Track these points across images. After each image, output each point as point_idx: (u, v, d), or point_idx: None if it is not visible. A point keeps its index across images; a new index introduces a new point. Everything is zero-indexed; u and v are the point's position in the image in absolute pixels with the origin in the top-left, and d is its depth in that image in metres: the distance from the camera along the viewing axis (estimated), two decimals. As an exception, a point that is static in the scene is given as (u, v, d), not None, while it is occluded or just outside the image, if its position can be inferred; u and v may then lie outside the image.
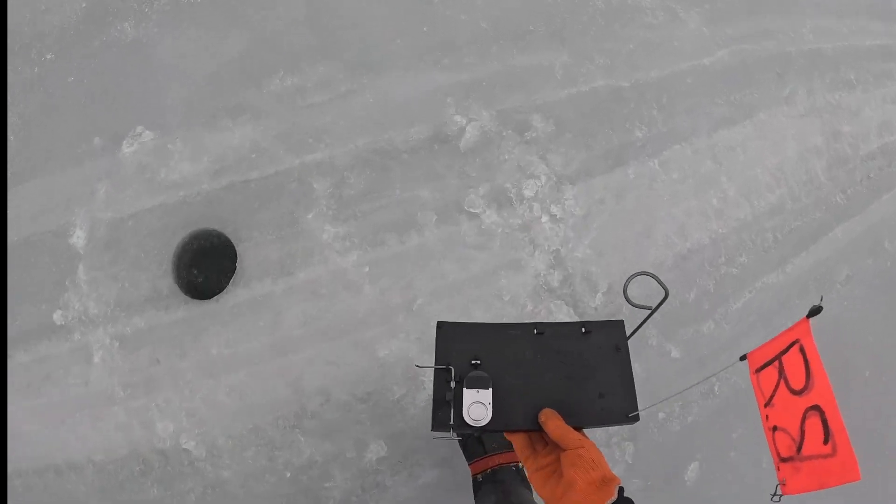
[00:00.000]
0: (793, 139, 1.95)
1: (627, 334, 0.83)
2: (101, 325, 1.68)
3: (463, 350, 0.80)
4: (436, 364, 0.80)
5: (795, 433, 0.55)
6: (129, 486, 1.68)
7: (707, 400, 1.82)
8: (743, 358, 0.65)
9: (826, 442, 0.52)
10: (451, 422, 0.75)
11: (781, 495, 0.57)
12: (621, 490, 0.65)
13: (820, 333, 0.56)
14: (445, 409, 0.76)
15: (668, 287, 0.77)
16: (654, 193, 1.84)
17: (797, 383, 0.56)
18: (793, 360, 0.56)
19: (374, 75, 1.77)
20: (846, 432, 0.51)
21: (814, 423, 0.53)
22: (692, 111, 1.85)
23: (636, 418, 0.79)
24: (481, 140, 1.74)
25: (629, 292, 0.77)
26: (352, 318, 1.61)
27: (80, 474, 1.68)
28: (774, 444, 0.59)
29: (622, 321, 0.84)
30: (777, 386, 0.59)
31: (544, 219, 1.74)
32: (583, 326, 0.82)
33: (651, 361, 1.81)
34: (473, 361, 0.79)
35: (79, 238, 1.75)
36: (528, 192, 1.74)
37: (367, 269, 1.62)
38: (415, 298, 1.62)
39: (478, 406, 0.74)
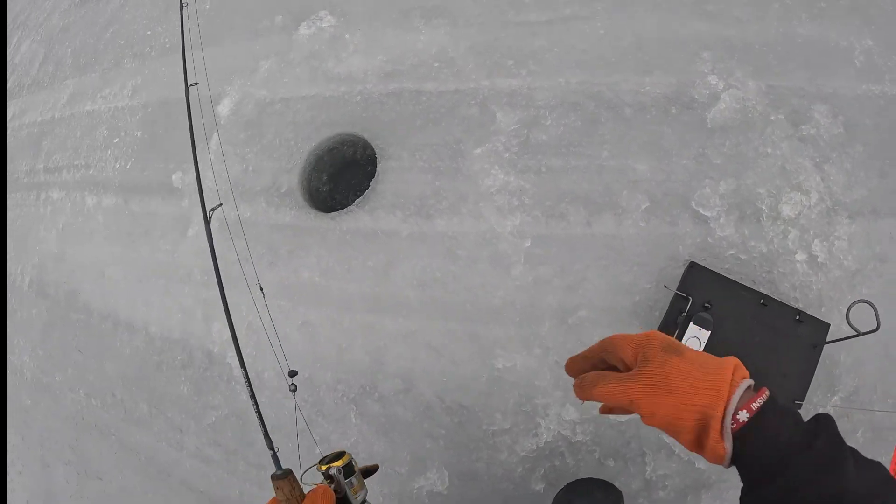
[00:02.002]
0: None
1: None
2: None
3: (701, 291, 1.03)
4: (678, 290, 1.04)
5: None
6: (166, 371, 1.51)
7: None
8: None
9: None
10: None
11: None
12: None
13: None
14: (670, 329, 0.99)
15: None
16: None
17: None
18: None
19: (613, 2, 1.32)
20: None
21: None
22: None
23: (800, 406, 0.99)
24: (739, 117, 1.20)
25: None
26: (483, 301, 1.19)
27: (132, 337, 1.57)
28: None
29: (829, 324, 1.03)
30: None
31: (800, 256, 1.15)
32: (798, 314, 1.03)
33: None
34: (706, 304, 1.02)
35: (224, 107, 1.58)
36: (787, 210, 1.16)
37: (528, 243, 1.18)
38: (577, 307, 1.14)
39: (694, 340, 0.95)
